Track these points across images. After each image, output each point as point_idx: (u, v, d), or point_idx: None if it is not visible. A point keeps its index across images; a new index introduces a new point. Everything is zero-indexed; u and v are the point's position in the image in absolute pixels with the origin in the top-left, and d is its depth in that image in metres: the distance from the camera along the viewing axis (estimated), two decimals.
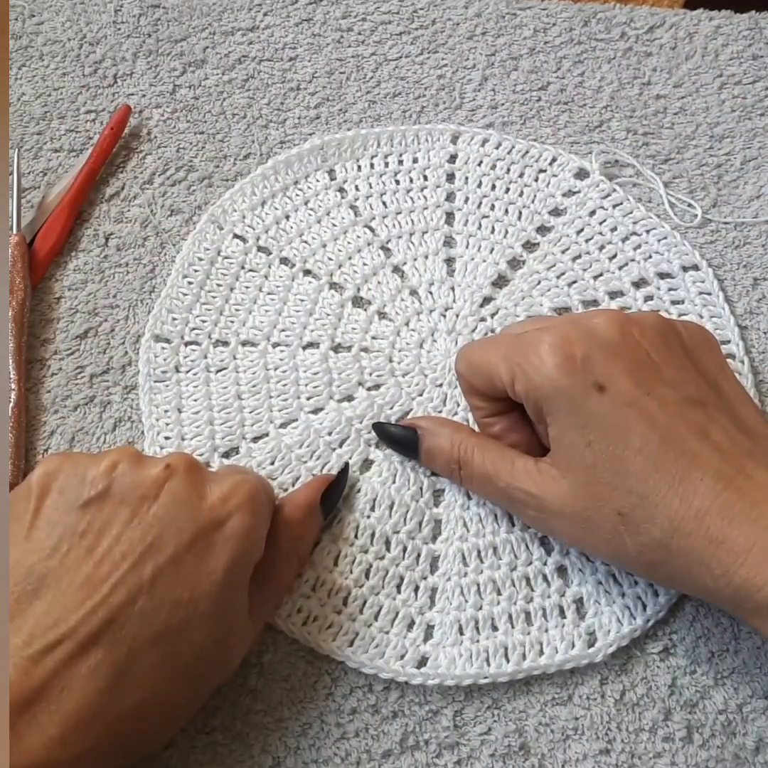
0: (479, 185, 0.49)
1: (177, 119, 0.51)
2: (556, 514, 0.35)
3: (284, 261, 0.47)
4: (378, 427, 0.41)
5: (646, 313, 0.37)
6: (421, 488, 0.41)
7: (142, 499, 0.32)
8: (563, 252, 0.47)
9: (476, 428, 0.41)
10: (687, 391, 0.34)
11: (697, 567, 0.32)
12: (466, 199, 0.48)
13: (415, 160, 0.50)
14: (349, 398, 0.43)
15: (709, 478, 0.32)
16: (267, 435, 0.42)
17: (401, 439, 0.40)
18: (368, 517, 0.40)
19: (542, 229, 0.48)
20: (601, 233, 0.47)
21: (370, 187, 0.49)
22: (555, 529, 0.36)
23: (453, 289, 0.46)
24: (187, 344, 0.44)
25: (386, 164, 0.50)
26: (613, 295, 0.46)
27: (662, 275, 0.46)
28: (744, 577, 0.30)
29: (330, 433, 0.42)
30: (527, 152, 0.50)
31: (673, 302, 0.46)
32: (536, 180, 0.49)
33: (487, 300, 0.46)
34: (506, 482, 0.36)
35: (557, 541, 0.39)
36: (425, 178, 0.49)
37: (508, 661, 0.37)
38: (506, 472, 0.36)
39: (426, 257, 0.46)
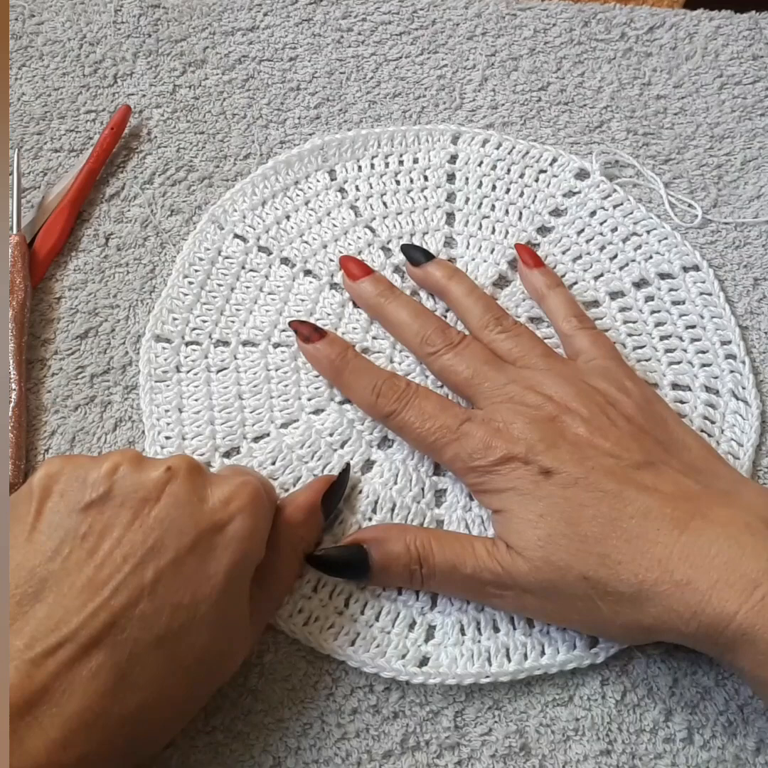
0: (480, 186, 0.49)
1: (177, 119, 0.51)
2: (525, 590, 0.35)
3: (285, 261, 0.47)
4: (315, 560, 0.37)
5: (573, 387, 0.38)
6: (422, 489, 0.41)
7: (143, 501, 0.32)
8: (564, 252, 0.47)
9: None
10: (632, 456, 0.36)
11: (668, 614, 0.32)
12: (467, 200, 0.48)
13: (415, 161, 0.50)
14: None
15: (665, 526, 0.33)
16: (268, 435, 0.42)
17: (348, 559, 0.37)
18: (370, 518, 0.40)
19: (543, 230, 0.48)
20: (601, 234, 0.47)
21: (371, 188, 0.49)
22: (527, 607, 0.37)
23: None
24: (187, 344, 0.44)
25: (386, 164, 0.50)
26: (614, 295, 0.46)
27: (663, 276, 0.46)
28: (712, 615, 0.31)
29: (331, 434, 0.42)
30: (527, 153, 0.50)
31: (674, 303, 0.46)
32: (537, 180, 0.49)
33: None
34: (472, 566, 0.36)
35: None
36: (425, 178, 0.49)
37: (509, 661, 0.37)
38: (469, 556, 0.36)
39: None
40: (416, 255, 0.45)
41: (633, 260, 0.47)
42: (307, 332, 0.42)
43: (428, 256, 0.44)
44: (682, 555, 0.32)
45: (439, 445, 0.38)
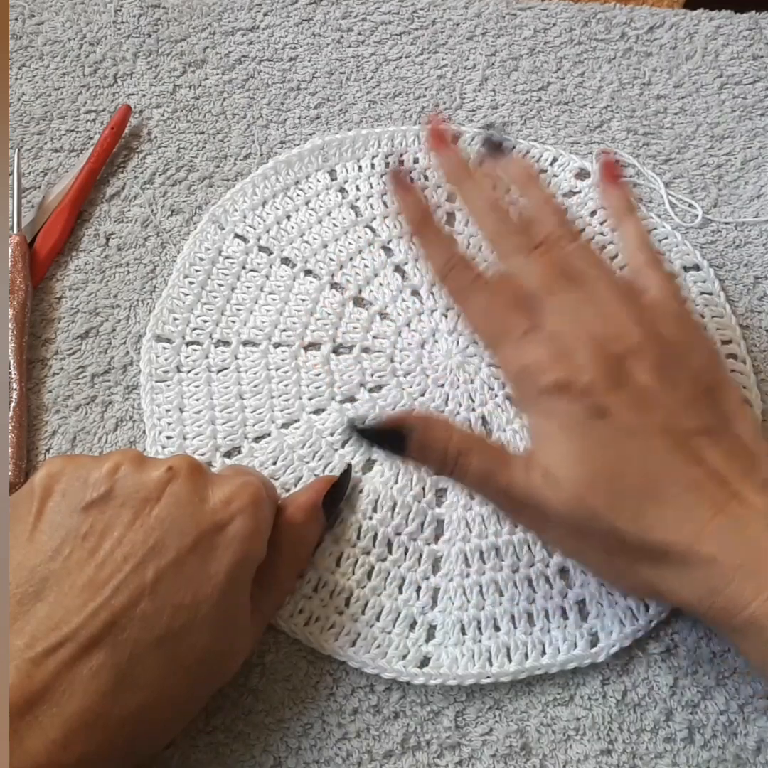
0: None
1: (177, 119, 0.51)
2: (552, 521, 0.34)
3: (285, 261, 0.47)
4: (355, 428, 0.35)
5: (633, 333, 0.35)
6: (423, 489, 0.41)
7: (144, 501, 0.32)
8: None
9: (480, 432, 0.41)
10: (688, 420, 0.34)
11: (684, 587, 0.32)
12: None
13: (415, 161, 0.50)
14: (351, 399, 0.43)
15: (703, 503, 0.32)
16: (269, 435, 0.42)
17: (390, 434, 0.35)
18: (370, 518, 0.40)
19: None
20: (602, 233, 0.47)
21: (371, 188, 0.49)
22: (550, 537, 0.36)
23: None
24: (188, 344, 0.44)
25: (387, 164, 0.49)
26: None
27: None
28: (729, 597, 0.31)
29: (332, 434, 0.42)
30: (528, 152, 0.50)
31: None
32: None
33: None
34: (505, 482, 0.35)
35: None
36: (426, 178, 0.49)
37: (510, 660, 0.37)
38: (504, 470, 0.35)
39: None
40: (498, 148, 0.40)
41: None
42: (402, 177, 0.40)
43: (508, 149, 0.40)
44: (712, 534, 0.31)
45: (495, 344, 0.36)
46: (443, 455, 0.35)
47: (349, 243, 0.47)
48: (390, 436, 0.35)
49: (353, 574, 0.39)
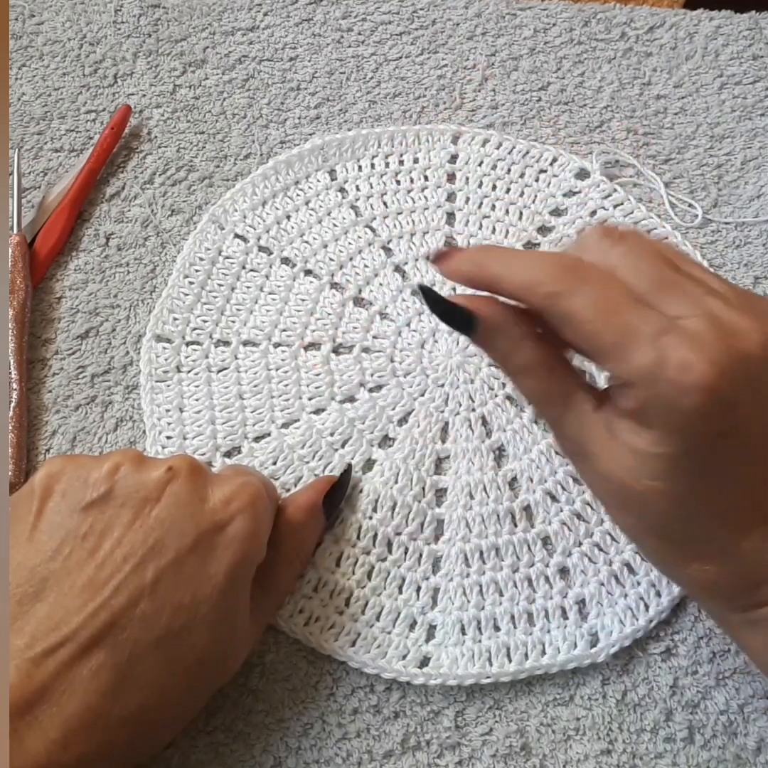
0: (480, 185, 0.49)
1: (177, 119, 0.51)
2: (596, 473, 0.31)
3: (285, 261, 0.47)
4: (427, 292, 0.31)
5: None
6: (423, 488, 0.41)
7: (144, 501, 0.32)
8: None
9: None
10: None
11: (717, 591, 0.31)
12: (467, 200, 0.48)
13: (415, 161, 0.50)
14: (351, 399, 0.43)
15: None
16: (269, 435, 0.42)
17: (456, 317, 0.31)
18: (370, 517, 0.40)
19: (543, 230, 0.48)
20: None
21: (371, 188, 0.49)
22: (585, 479, 0.32)
23: (454, 289, 0.46)
24: (188, 344, 0.44)
25: (387, 164, 0.50)
26: None
27: None
28: (751, 601, 0.30)
29: (332, 434, 0.42)
30: (528, 152, 0.50)
31: None
32: (537, 180, 0.49)
33: None
34: (557, 414, 0.31)
35: (559, 543, 0.39)
36: (426, 178, 0.49)
37: (510, 660, 0.37)
38: (561, 405, 0.31)
39: (427, 257, 0.46)
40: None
41: None
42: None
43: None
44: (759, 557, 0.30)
45: (617, 349, 0.28)
46: (506, 359, 0.31)
47: (349, 243, 0.47)
48: (457, 317, 0.31)
49: (353, 574, 0.39)
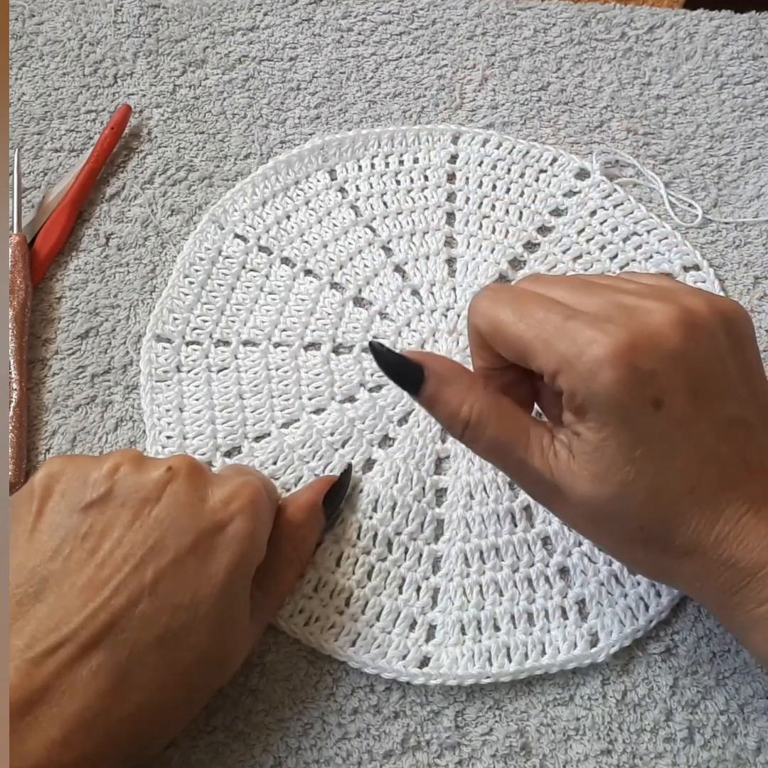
0: (480, 185, 0.49)
1: (177, 119, 0.51)
2: (568, 504, 0.32)
3: (285, 261, 0.47)
4: (375, 349, 0.34)
5: (700, 304, 0.32)
6: (423, 488, 0.41)
7: (143, 501, 0.32)
8: (564, 252, 0.47)
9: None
10: (734, 407, 0.32)
11: (701, 582, 0.32)
12: (467, 200, 0.48)
13: (415, 161, 0.50)
14: (351, 399, 0.43)
15: (736, 501, 0.31)
16: (269, 435, 0.42)
17: (402, 371, 0.34)
18: (370, 517, 0.40)
19: (543, 230, 0.48)
20: (602, 233, 0.47)
21: (371, 187, 0.49)
22: (564, 516, 0.34)
23: (454, 289, 0.46)
24: (188, 344, 0.44)
25: (387, 164, 0.50)
26: None
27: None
28: (744, 596, 0.31)
29: (332, 434, 0.42)
30: (528, 152, 0.50)
31: None
32: (537, 180, 0.49)
33: None
34: (517, 459, 0.33)
35: (559, 543, 0.39)
36: (426, 178, 0.49)
37: (510, 661, 0.37)
38: (521, 447, 0.33)
39: (427, 257, 0.46)
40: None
41: (633, 260, 0.47)
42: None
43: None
44: (738, 535, 0.31)
45: (538, 342, 0.31)
46: (454, 417, 0.34)
47: (349, 243, 0.47)
48: (407, 371, 0.34)
49: (353, 573, 0.39)
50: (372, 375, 0.43)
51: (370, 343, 0.34)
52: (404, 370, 0.34)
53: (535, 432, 0.33)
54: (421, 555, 0.39)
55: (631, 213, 0.48)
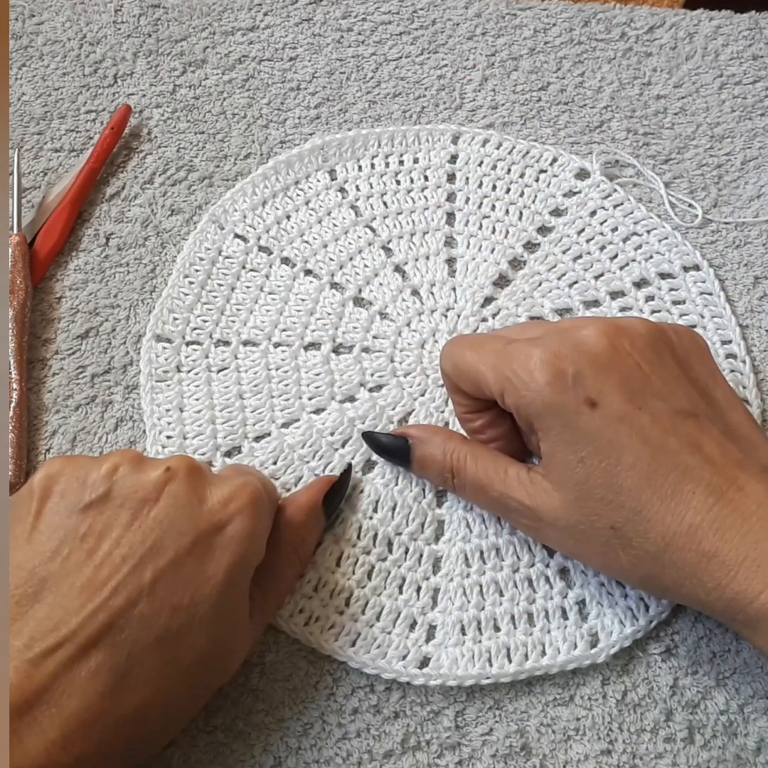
0: (480, 186, 0.49)
1: (177, 119, 0.51)
2: (549, 524, 0.35)
3: (285, 261, 0.47)
4: (368, 437, 0.41)
5: (634, 320, 0.36)
6: (423, 489, 0.41)
7: (142, 502, 0.32)
8: (564, 252, 0.47)
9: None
10: (678, 402, 0.34)
11: (689, 580, 0.32)
12: (467, 200, 0.48)
13: (415, 161, 0.50)
14: (351, 399, 0.43)
15: (701, 491, 0.32)
16: (269, 434, 0.42)
17: (392, 448, 0.40)
18: (371, 518, 0.40)
19: (543, 230, 0.48)
20: (601, 233, 0.47)
21: (371, 188, 0.49)
22: (549, 539, 0.37)
23: (454, 289, 0.46)
24: (188, 344, 0.44)
25: (387, 164, 0.49)
26: (614, 295, 0.46)
27: (663, 275, 0.46)
28: (736, 590, 0.31)
29: (332, 434, 0.42)
30: (528, 153, 0.50)
31: (674, 302, 0.46)
32: (537, 180, 0.49)
33: (488, 300, 0.46)
34: (499, 491, 0.36)
35: None
36: (426, 178, 0.49)
37: (510, 661, 0.37)
38: (499, 481, 0.36)
39: (427, 257, 0.46)
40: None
41: (633, 260, 0.47)
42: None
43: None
44: (713, 525, 0.31)
45: (489, 371, 0.35)
46: (440, 468, 0.38)
47: (349, 243, 0.47)
48: (397, 450, 0.40)
49: (353, 574, 0.39)
50: (372, 375, 0.43)
51: (363, 434, 0.41)
52: (393, 445, 0.40)
53: (513, 468, 0.36)
54: (421, 555, 0.39)
55: (631, 213, 0.48)
